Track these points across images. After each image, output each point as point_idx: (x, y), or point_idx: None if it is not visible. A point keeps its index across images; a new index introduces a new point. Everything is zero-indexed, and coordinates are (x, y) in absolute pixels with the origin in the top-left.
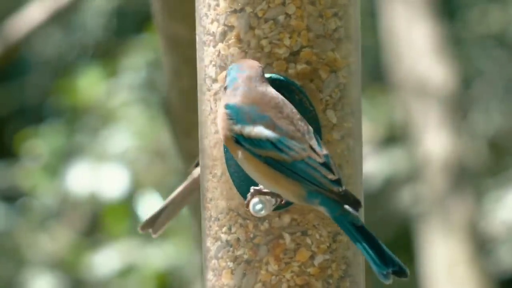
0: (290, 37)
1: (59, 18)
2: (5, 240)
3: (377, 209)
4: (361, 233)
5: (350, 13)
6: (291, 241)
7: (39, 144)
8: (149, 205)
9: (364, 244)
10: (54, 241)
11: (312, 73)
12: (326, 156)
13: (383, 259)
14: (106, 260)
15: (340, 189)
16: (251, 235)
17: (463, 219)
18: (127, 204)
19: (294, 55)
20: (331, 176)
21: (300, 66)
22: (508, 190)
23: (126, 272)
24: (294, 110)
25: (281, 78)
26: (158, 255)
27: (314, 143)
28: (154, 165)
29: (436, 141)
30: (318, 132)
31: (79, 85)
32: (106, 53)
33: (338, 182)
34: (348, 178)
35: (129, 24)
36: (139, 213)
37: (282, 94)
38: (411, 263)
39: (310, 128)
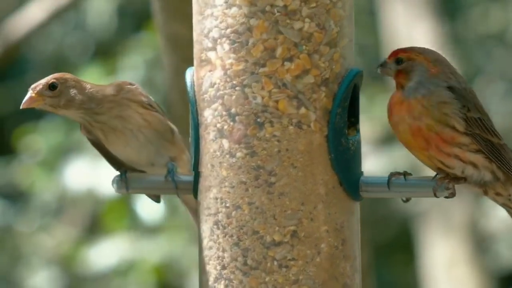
0: None
1: (59, 17)
2: (4, 236)
3: (377, 209)
4: None
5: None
6: None
7: (38, 140)
8: (147, 202)
9: None
10: (53, 237)
11: None
12: None
13: None
14: (104, 255)
15: None
16: None
17: (463, 218)
18: (125, 200)
19: None
20: None
21: None
22: None
23: (124, 267)
24: None
25: None
26: (155, 249)
27: None
28: None
29: None
30: None
31: None
32: (106, 52)
33: None
34: None
35: (129, 24)
36: (137, 209)
37: None
38: (411, 263)
39: None
